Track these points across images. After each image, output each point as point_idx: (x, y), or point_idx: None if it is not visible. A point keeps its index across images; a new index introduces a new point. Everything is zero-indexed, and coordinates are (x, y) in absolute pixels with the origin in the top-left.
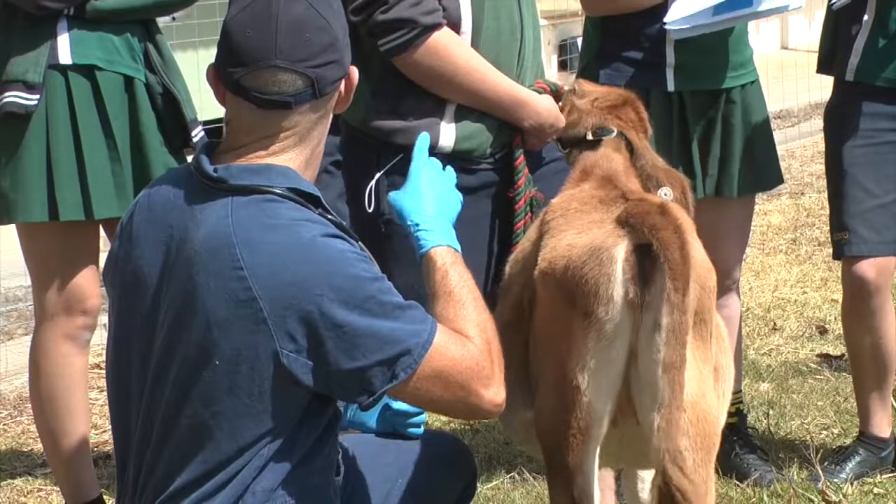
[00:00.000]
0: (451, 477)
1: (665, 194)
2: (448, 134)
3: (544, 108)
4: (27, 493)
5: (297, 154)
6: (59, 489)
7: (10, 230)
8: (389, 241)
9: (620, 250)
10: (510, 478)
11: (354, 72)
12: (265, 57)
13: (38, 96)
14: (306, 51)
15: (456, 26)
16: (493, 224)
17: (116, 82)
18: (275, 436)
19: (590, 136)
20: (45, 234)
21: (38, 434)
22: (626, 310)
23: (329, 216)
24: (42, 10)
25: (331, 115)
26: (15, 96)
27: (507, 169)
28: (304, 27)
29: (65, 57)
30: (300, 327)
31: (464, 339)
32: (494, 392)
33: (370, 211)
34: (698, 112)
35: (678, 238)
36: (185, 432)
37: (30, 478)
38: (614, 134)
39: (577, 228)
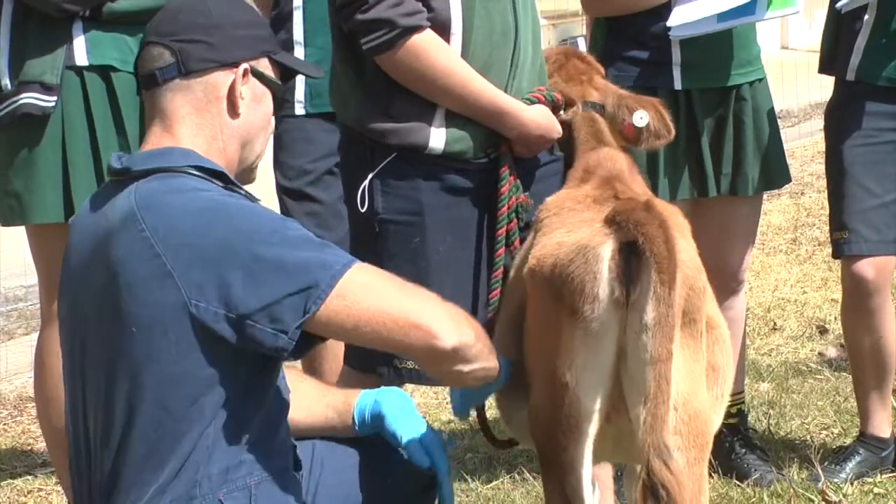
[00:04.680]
0: (409, 483)
1: (641, 118)
2: (438, 136)
3: (530, 118)
4: (27, 493)
5: (192, 139)
6: (59, 489)
7: (10, 231)
8: (384, 240)
9: (606, 249)
10: (510, 478)
11: (242, 69)
12: (145, 35)
13: (55, 98)
14: (174, 26)
15: (446, 27)
16: (483, 225)
17: (130, 82)
18: (216, 412)
19: (564, 117)
20: (57, 234)
21: (40, 433)
22: (612, 308)
23: (237, 190)
24: (64, 12)
25: (223, 105)
26: (32, 97)
27: (496, 173)
28: (182, 8)
29: (81, 58)
30: (207, 274)
31: (408, 286)
32: (443, 335)
33: (363, 211)
34: (707, 110)
35: (663, 233)
36: (121, 418)
37: (30, 478)
38: (580, 108)
39: (568, 227)
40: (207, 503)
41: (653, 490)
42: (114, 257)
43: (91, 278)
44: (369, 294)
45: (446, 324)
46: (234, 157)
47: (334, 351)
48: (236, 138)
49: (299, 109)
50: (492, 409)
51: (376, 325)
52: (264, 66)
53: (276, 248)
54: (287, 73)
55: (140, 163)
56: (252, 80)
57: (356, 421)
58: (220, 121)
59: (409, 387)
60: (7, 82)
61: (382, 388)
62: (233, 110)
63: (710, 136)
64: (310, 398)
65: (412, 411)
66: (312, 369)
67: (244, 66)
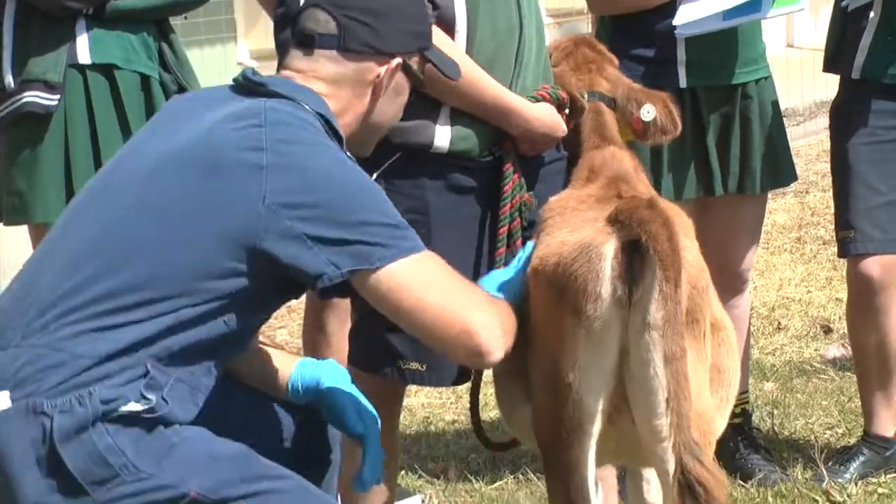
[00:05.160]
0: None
1: (648, 112)
2: (443, 135)
3: (535, 117)
4: None
5: (326, 99)
6: None
7: (13, 230)
8: None
9: (609, 247)
10: (514, 478)
11: (395, 63)
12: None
13: (58, 96)
14: (348, 2)
15: (450, 25)
16: (486, 224)
17: (134, 81)
18: (208, 299)
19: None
20: None
21: None
22: (615, 307)
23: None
24: (66, 10)
25: (366, 90)
26: (35, 96)
27: (500, 171)
28: None
29: (84, 57)
30: (298, 188)
31: (467, 285)
32: (494, 350)
33: None
34: (713, 108)
35: (667, 230)
36: (126, 253)
37: None
38: (587, 98)
39: (571, 226)
40: (137, 363)
41: (689, 488)
42: (217, 134)
43: (177, 136)
44: (436, 283)
45: (499, 338)
46: (349, 132)
47: (339, 353)
48: (362, 119)
49: None
50: (492, 410)
51: (430, 316)
52: (414, 59)
53: (370, 208)
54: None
55: (277, 85)
56: (399, 73)
57: (289, 388)
58: (356, 101)
59: (413, 387)
60: (10, 81)
61: (324, 360)
62: (373, 97)
63: (717, 135)
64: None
65: (349, 383)
66: None
67: (398, 59)
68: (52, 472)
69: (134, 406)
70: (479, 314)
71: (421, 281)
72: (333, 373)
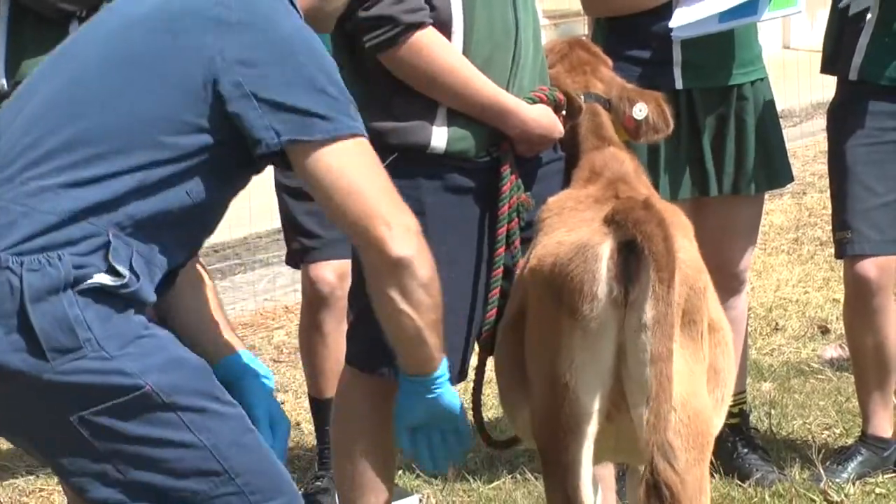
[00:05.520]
0: None
1: (640, 110)
2: (440, 135)
3: (532, 118)
4: (29, 493)
5: None
6: (60, 489)
7: None
8: None
9: (605, 248)
10: (511, 478)
11: None
12: None
13: None
14: None
15: (446, 25)
16: (484, 224)
17: None
18: (162, 160)
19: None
20: None
21: None
22: (611, 307)
23: None
24: (59, 12)
25: None
26: None
27: (498, 172)
28: None
29: None
30: (254, 46)
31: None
32: (396, 242)
33: None
34: (708, 109)
35: (662, 231)
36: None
37: (31, 477)
38: (583, 100)
39: (568, 226)
40: (99, 230)
41: (656, 489)
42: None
43: (143, 3)
44: (365, 168)
45: (407, 238)
46: (307, 5)
47: (336, 353)
48: None
49: None
50: (493, 409)
51: (346, 195)
52: None
53: (323, 77)
54: None
55: None
56: None
57: (216, 367)
58: None
59: None
60: (3, 83)
61: (260, 365)
62: None
63: (712, 136)
64: (205, 306)
65: (271, 392)
66: (313, 368)
67: None
68: (16, 331)
69: (105, 279)
70: (394, 207)
71: (351, 162)
72: (258, 384)
